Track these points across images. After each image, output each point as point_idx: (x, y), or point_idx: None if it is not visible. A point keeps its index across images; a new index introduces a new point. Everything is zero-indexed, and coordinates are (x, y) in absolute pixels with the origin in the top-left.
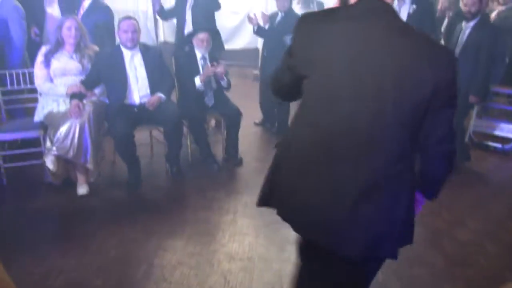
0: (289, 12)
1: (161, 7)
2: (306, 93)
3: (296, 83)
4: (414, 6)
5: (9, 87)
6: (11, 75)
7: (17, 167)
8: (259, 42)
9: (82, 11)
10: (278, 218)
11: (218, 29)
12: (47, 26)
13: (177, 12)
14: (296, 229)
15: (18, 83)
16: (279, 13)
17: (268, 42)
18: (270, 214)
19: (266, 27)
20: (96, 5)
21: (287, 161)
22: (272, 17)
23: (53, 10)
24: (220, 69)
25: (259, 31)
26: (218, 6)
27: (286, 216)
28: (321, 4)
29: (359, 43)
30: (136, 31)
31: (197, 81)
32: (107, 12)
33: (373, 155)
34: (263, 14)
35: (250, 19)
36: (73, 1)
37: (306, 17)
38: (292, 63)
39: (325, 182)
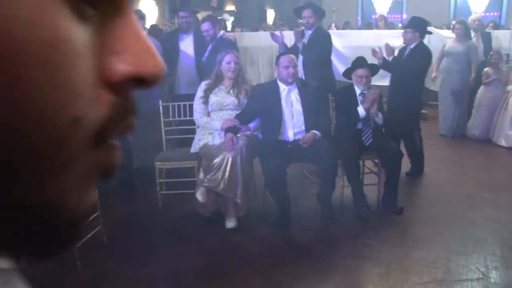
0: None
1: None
2: None
3: None
4: None
5: (170, 118)
6: (173, 107)
7: (172, 194)
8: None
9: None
10: (439, 277)
11: (378, 65)
12: (182, 61)
13: None
14: None
15: (179, 115)
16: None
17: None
18: (429, 271)
19: (390, 59)
20: (221, 41)
21: None
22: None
23: (186, 47)
24: (369, 100)
25: (384, 65)
26: (329, 53)
27: None
28: None
29: None
30: (296, 66)
31: (360, 109)
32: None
33: None
34: (387, 46)
35: (374, 53)
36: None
37: None
38: None
39: None
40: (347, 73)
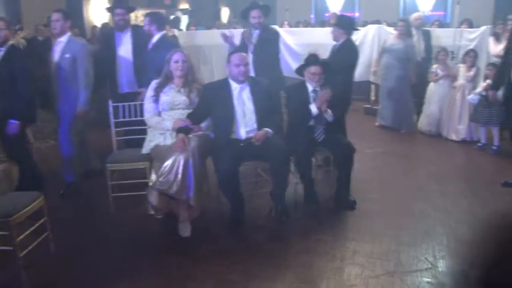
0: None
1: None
2: None
3: None
4: None
5: (120, 119)
6: (123, 107)
7: (124, 196)
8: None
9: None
10: (391, 269)
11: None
12: (119, 61)
13: None
14: None
15: (130, 116)
16: None
17: None
18: (382, 264)
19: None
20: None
21: None
22: None
23: (123, 46)
24: (321, 100)
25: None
26: (277, 51)
27: None
28: None
29: None
30: (247, 64)
31: (313, 108)
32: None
33: None
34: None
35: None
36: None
37: None
38: None
39: None
40: (300, 70)
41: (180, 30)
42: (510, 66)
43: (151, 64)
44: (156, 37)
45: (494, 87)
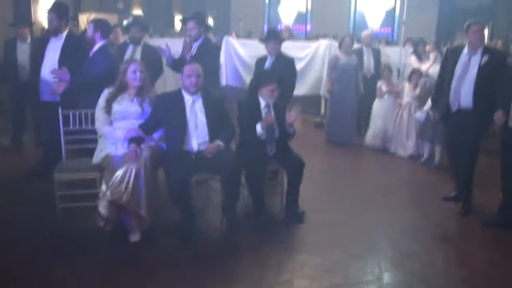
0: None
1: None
2: None
3: None
4: (486, 57)
5: (71, 127)
6: (74, 115)
7: (72, 207)
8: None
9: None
10: (339, 281)
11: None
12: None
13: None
14: None
15: (80, 124)
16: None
17: None
18: (331, 277)
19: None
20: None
21: None
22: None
23: (53, 52)
24: (293, 116)
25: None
26: (216, 65)
27: None
28: None
29: None
30: (200, 75)
31: (258, 127)
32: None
33: None
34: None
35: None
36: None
37: None
38: None
39: None
40: (255, 85)
41: None
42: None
43: (88, 72)
44: (97, 45)
45: (434, 105)
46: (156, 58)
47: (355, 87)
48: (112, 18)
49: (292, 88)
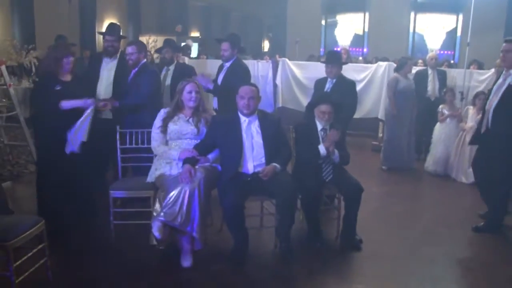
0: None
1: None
2: None
3: None
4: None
5: (127, 145)
6: (130, 134)
7: (126, 224)
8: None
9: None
10: None
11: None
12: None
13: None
14: None
15: (137, 143)
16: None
17: None
18: None
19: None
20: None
21: None
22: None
23: (108, 72)
24: (332, 138)
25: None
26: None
27: None
28: None
29: None
30: (253, 97)
31: (322, 148)
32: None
33: None
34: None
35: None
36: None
37: None
38: None
39: None
40: (310, 107)
41: (191, 58)
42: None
43: (134, 92)
44: (140, 65)
45: None
46: (190, 75)
47: (413, 111)
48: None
49: (353, 111)
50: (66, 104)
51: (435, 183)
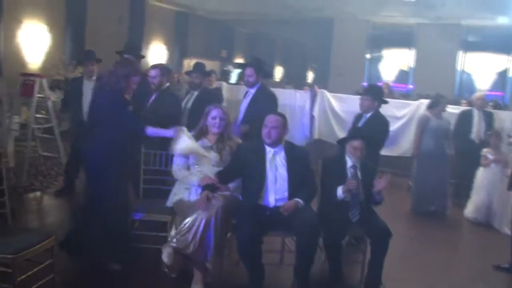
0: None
1: None
2: None
3: None
4: None
5: (151, 166)
6: (155, 155)
7: (141, 247)
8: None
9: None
10: None
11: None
12: None
13: None
14: None
15: (160, 164)
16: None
17: None
18: None
19: None
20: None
21: None
22: None
23: None
24: (382, 184)
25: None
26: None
27: None
28: None
29: None
30: (277, 127)
31: (339, 190)
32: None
33: None
34: None
35: None
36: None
37: None
38: None
39: None
40: (342, 142)
41: (230, 83)
42: None
43: (153, 114)
44: (163, 88)
45: None
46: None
47: (445, 152)
48: (214, 65)
49: (379, 148)
50: (152, 131)
51: (474, 232)
